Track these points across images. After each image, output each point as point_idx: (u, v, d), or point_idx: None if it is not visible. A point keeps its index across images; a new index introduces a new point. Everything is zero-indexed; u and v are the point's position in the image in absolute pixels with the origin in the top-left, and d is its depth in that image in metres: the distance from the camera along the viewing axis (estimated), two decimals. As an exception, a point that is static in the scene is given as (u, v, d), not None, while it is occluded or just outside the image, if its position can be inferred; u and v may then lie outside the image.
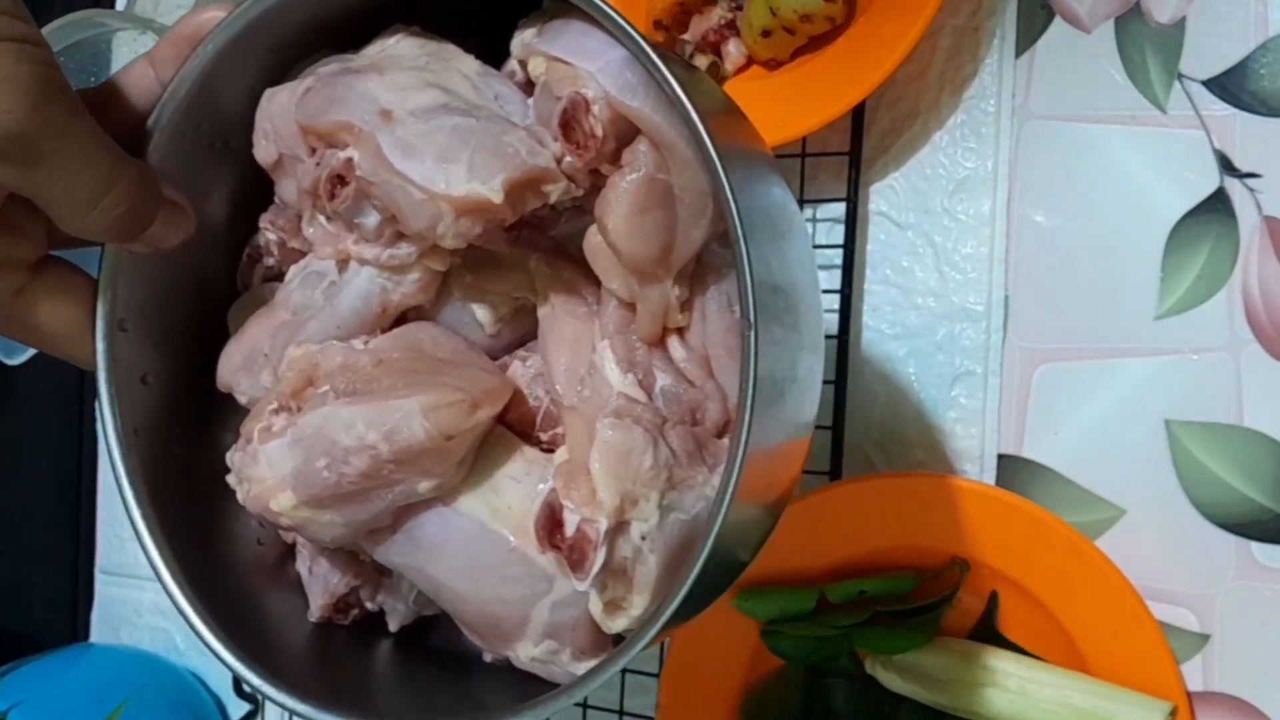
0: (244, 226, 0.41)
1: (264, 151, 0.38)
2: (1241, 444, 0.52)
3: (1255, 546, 0.52)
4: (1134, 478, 0.54)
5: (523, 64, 0.37)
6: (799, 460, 0.37)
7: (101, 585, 0.79)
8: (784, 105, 0.56)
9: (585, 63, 0.34)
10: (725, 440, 0.35)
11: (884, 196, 0.59)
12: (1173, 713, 0.50)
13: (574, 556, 0.33)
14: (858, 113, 0.58)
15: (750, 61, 0.58)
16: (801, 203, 0.60)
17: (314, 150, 0.37)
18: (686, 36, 0.59)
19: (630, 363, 0.36)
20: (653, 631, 0.31)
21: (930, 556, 0.54)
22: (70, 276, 0.37)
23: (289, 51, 0.38)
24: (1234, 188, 0.53)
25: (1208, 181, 0.53)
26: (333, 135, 0.35)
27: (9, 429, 0.81)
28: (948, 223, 0.58)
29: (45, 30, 0.59)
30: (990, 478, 0.56)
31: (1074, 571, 0.52)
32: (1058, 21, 0.56)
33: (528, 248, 0.37)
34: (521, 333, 0.39)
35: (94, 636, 0.80)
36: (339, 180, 0.35)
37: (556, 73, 0.34)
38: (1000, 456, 0.57)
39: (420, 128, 0.34)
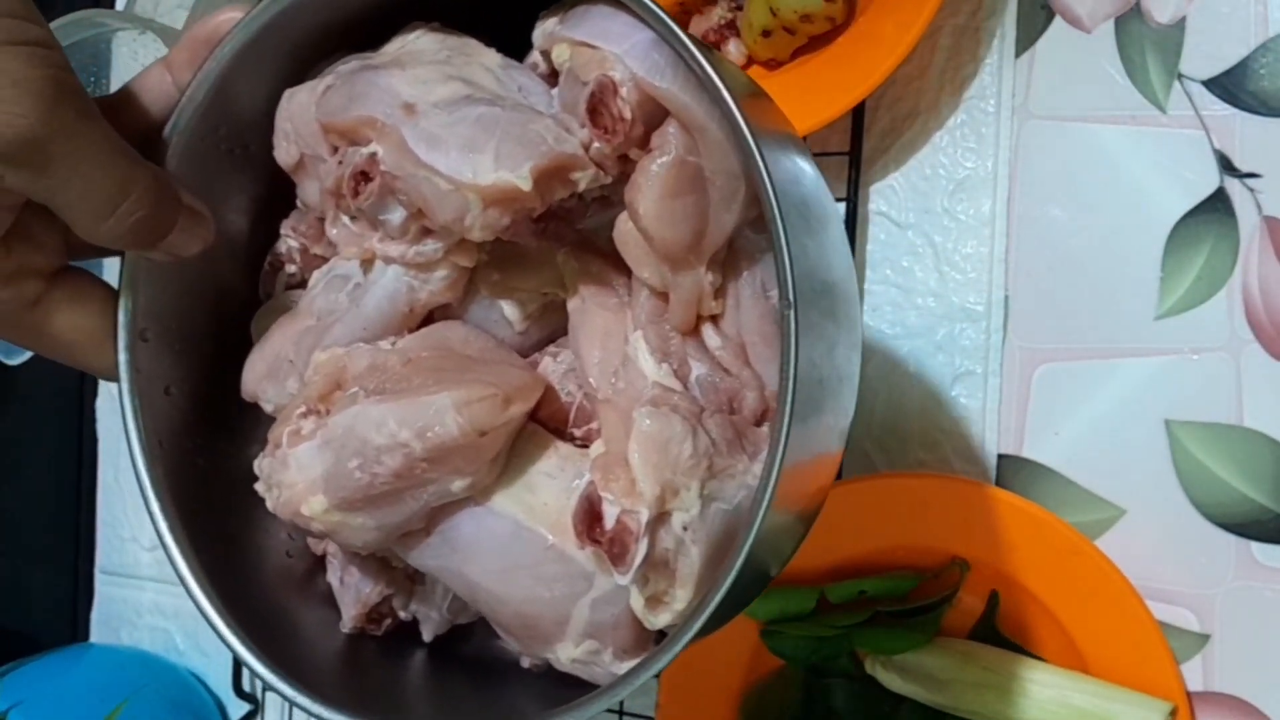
0: (264, 234, 0.41)
1: (284, 153, 0.37)
2: (1241, 444, 0.52)
3: (1255, 546, 0.52)
4: (1134, 478, 0.54)
5: (545, 54, 0.36)
6: (832, 467, 0.36)
7: (101, 585, 0.79)
8: (784, 105, 0.56)
9: (611, 45, 0.33)
10: (764, 428, 0.34)
11: (884, 196, 0.59)
12: (1173, 713, 0.50)
13: (615, 550, 0.32)
14: (858, 113, 0.58)
15: (750, 61, 0.58)
16: (801, 203, 0.60)
17: (336, 149, 0.36)
18: (686, 36, 0.59)
19: (665, 352, 0.35)
20: (697, 625, 0.30)
21: (930, 556, 0.54)
22: (88, 286, 0.36)
23: (307, 52, 0.37)
24: (1234, 188, 0.53)
25: (1208, 181, 0.53)
26: (355, 132, 0.35)
27: (9, 429, 0.81)
28: (948, 223, 0.58)
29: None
30: (990, 478, 0.57)
31: (1074, 571, 0.52)
32: (1058, 21, 0.56)
33: (555, 240, 0.36)
34: (550, 329, 0.38)
35: (94, 637, 0.80)
36: (363, 177, 0.35)
37: (582, 57, 0.33)
38: (1000, 456, 0.57)
39: (444, 119, 0.33)
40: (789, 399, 0.29)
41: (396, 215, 0.35)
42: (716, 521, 0.32)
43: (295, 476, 0.35)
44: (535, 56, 0.37)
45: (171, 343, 0.38)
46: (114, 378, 0.37)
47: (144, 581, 0.77)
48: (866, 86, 0.54)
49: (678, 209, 0.33)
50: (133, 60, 0.66)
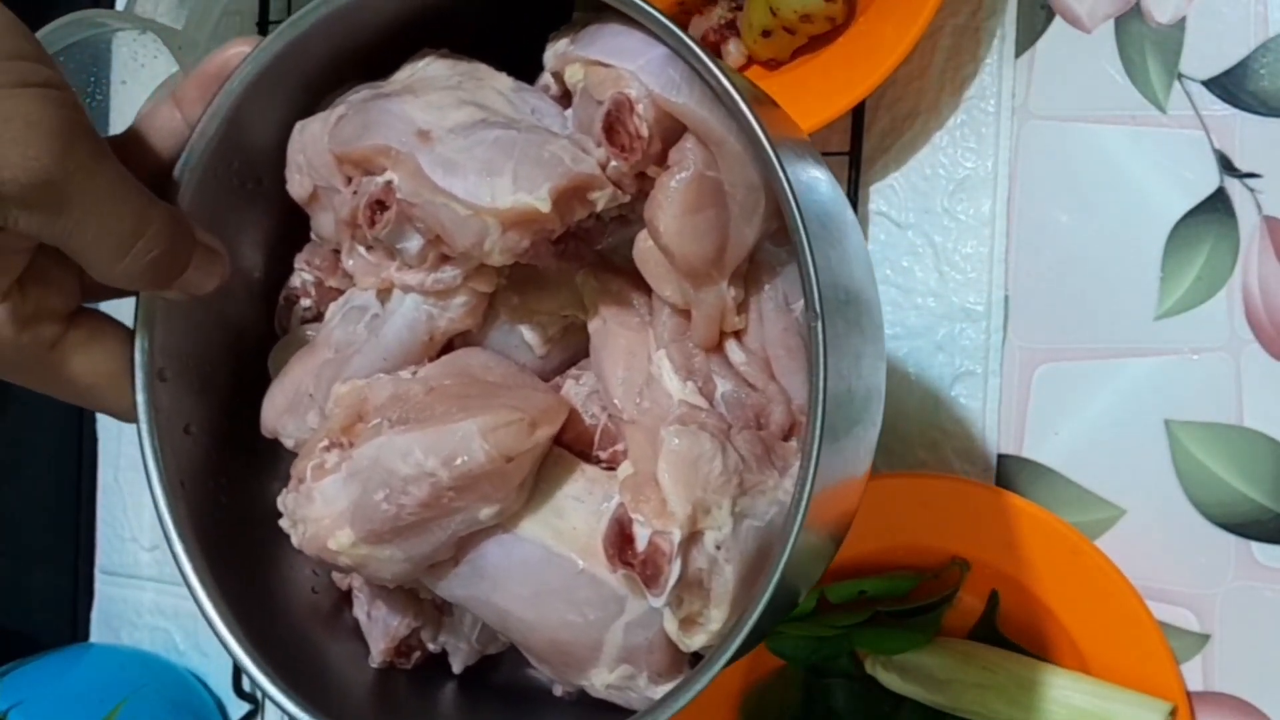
0: (279, 268, 0.40)
1: (298, 185, 0.37)
2: (1241, 444, 0.52)
3: (1255, 546, 0.52)
4: (1134, 478, 0.54)
5: (557, 76, 0.36)
6: (862, 482, 0.36)
7: (101, 585, 0.79)
8: (784, 105, 0.56)
9: (625, 62, 0.33)
10: (793, 442, 0.34)
11: (884, 196, 0.59)
12: (1173, 713, 0.50)
13: (647, 572, 0.31)
14: (858, 113, 0.58)
15: (750, 61, 0.58)
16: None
17: (350, 179, 0.36)
18: (686, 36, 0.59)
19: (689, 370, 0.35)
20: (734, 646, 0.30)
21: (930, 556, 0.54)
22: (105, 327, 0.36)
23: (318, 83, 0.37)
24: (1234, 188, 0.53)
25: (1208, 181, 0.53)
26: (370, 161, 0.35)
27: (9, 429, 0.81)
28: (948, 223, 0.58)
29: (45, 30, 0.59)
30: (990, 478, 0.57)
31: (1074, 571, 0.52)
32: (1058, 21, 0.56)
33: (575, 261, 0.36)
34: (572, 353, 0.38)
35: (94, 636, 0.80)
36: (379, 206, 0.34)
37: (596, 76, 0.33)
38: (1000, 456, 0.57)
39: (460, 144, 0.33)
40: (819, 412, 0.29)
41: (414, 243, 0.35)
42: (749, 539, 0.32)
43: (321, 511, 0.34)
44: (547, 79, 0.37)
45: (190, 381, 0.38)
46: (133, 419, 0.36)
47: (144, 581, 0.77)
48: (866, 86, 0.54)
49: (699, 224, 0.33)
50: (132, 60, 0.66)
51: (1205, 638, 0.53)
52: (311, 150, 0.36)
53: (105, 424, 0.77)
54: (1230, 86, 0.53)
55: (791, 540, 0.29)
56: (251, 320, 0.41)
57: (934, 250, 0.58)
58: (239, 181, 0.38)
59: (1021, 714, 0.51)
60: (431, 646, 0.40)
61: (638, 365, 0.35)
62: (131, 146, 0.35)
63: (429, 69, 0.37)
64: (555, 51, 0.36)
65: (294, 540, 0.35)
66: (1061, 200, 0.56)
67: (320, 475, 0.35)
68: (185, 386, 0.38)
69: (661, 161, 0.33)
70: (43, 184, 0.29)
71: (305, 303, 0.40)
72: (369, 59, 0.37)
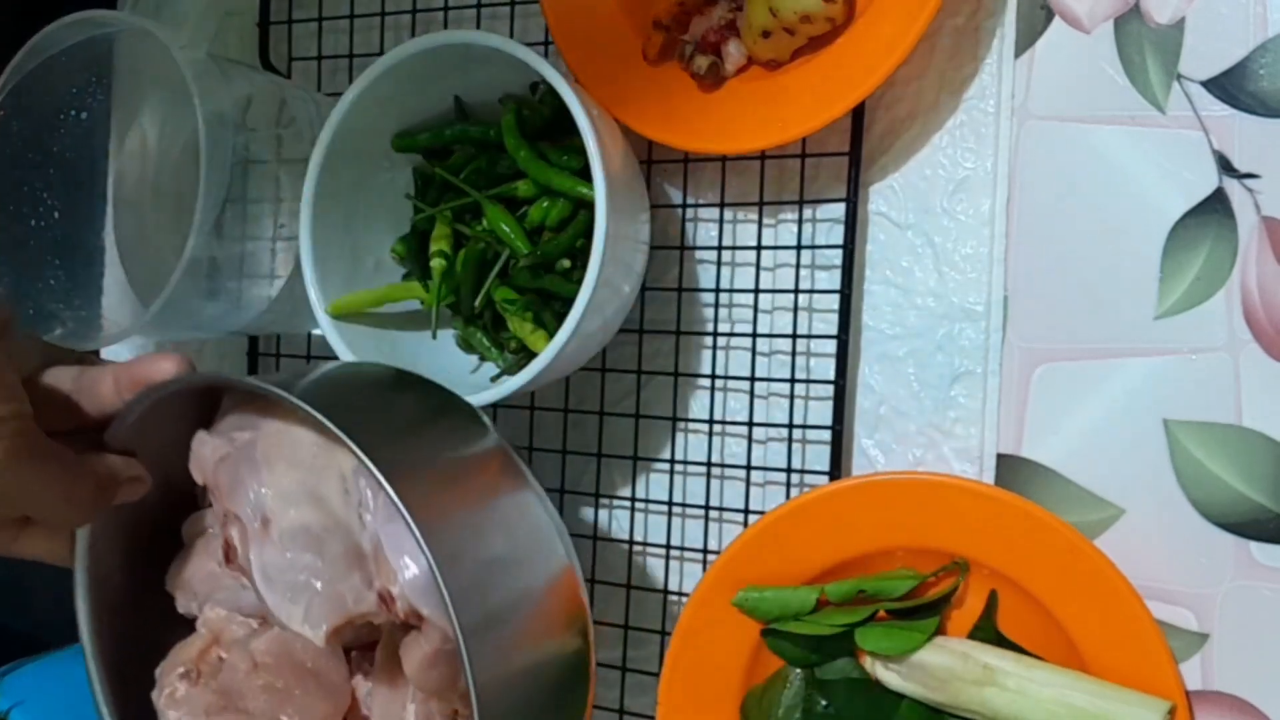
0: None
1: (196, 475, 0.49)
2: (1240, 444, 0.53)
3: (1254, 546, 0.52)
4: (1133, 477, 0.54)
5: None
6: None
7: (103, 585, 0.79)
8: (784, 106, 0.56)
9: (400, 562, 0.45)
10: None
11: (883, 197, 0.59)
12: (1171, 712, 0.50)
13: None
14: (857, 113, 0.58)
15: (750, 62, 0.58)
16: (801, 203, 0.60)
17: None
18: (686, 37, 0.59)
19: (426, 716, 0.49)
20: None
21: (930, 556, 0.54)
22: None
23: (212, 407, 0.51)
24: (1233, 188, 0.53)
25: (1206, 182, 0.54)
26: (229, 511, 0.47)
27: (10, 429, 0.81)
28: (947, 223, 0.58)
29: (47, 31, 0.59)
30: (990, 477, 0.57)
31: (1073, 571, 0.52)
32: (1057, 22, 0.56)
33: (358, 668, 0.51)
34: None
35: (95, 636, 0.80)
36: (230, 548, 0.47)
37: (381, 556, 0.46)
38: (999, 456, 0.57)
39: (281, 560, 0.46)
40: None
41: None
42: None
43: None
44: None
45: (116, 542, 0.51)
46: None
47: (145, 581, 0.77)
48: (866, 87, 0.54)
49: (433, 674, 0.47)
50: (134, 61, 0.66)
51: (1204, 637, 0.53)
52: (204, 464, 0.49)
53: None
54: (1229, 87, 0.53)
55: None
56: (175, 489, 0.52)
57: (933, 250, 0.58)
58: (155, 442, 0.50)
59: (1020, 713, 0.51)
60: None
61: (394, 710, 0.50)
62: (83, 396, 0.47)
63: (297, 434, 0.47)
64: (355, 475, 0.48)
65: None
66: (1061, 200, 0.56)
67: (170, 705, 0.50)
68: (116, 546, 0.51)
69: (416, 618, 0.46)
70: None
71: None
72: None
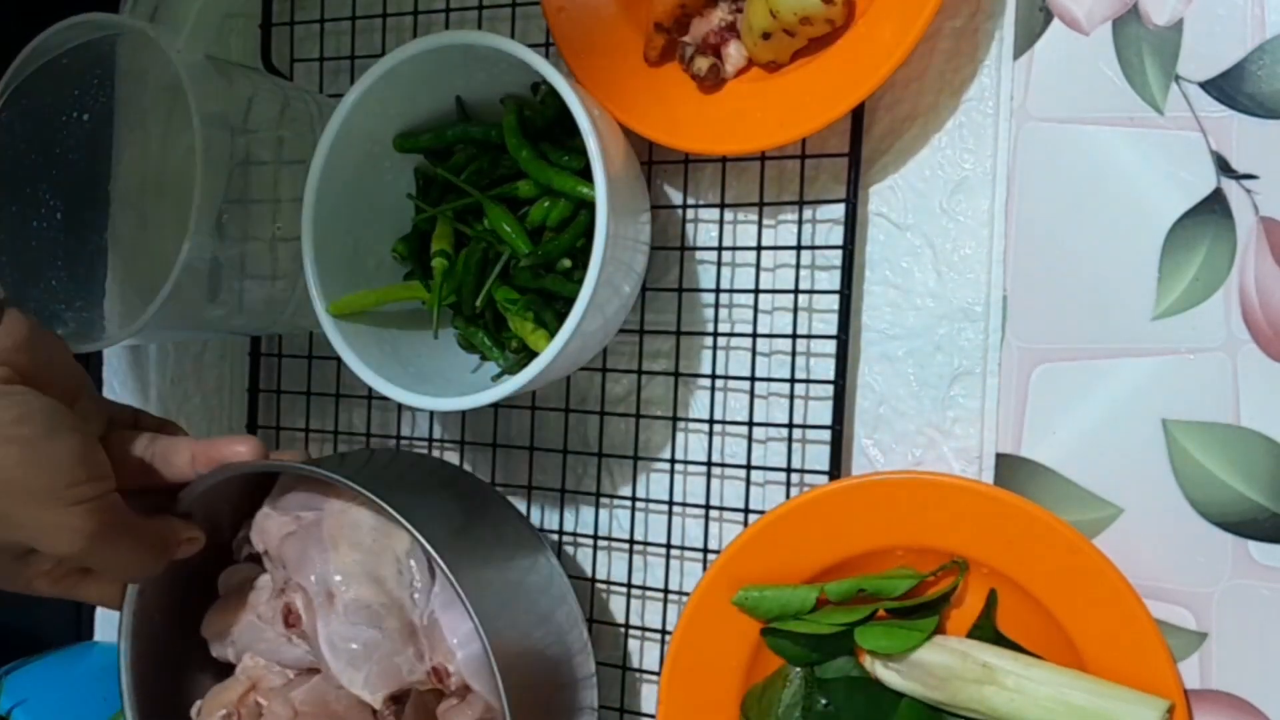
0: (241, 519, 0.60)
1: (258, 544, 0.57)
2: (1238, 443, 0.53)
3: (1252, 545, 0.53)
4: (1131, 477, 0.55)
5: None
6: None
7: (105, 584, 0.79)
8: (784, 107, 0.56)
9: (453, 642, 0.53)
10: None
11: (883, 197, 0.59)
12: (1170, 710, 0.51)
13: None
14: (857, 114, 0.58)
15: (751, 64, 0.59)
16: (801, 204, 0.60)
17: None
18: (687, 38, 0.59)
19: None
20: None
21: (929, 555, 0.55)
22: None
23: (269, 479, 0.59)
24: (1231, 189, 0.53)
25: (1205, 183, 0.54)
26: (295, 583, 0.55)
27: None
28: (946, 223, 0.58)
29: (49, 33, 0.59)
30: (989, 477, 0.57)
31: (1072, 570, 0.52)
32: (1056, 23, 0.56)
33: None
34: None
35: (98, 635, 0.80)
36: (291, 614, 0.55)
37: (438, 635, 0.53)
38: (998, 456, 0.57)
39: (346, 631, 0.53)
40: None
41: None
42: None
43: None
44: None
45: (163, 585, 0.57)
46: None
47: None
48: (866, 88, 0.54)
49: None
50: (136, 64, 0.66)
51: (1202, 636, 0.53)
52: (266, 535, 0.56)
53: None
54: (1227, 88, 0.53)
55: None
56: (217, 545, 0.59)
57: (933, 251, 0.58)
58: (225, 507, 0.59)
59: (1019, 712, 0.51)
60: None
61: None
62: (160, 464, 0.52)
63: (357, 514, 0.55)
64: (430, 559, 0.54)
65: None
66: (1059, 201, 0.56)
67: None
68: (156, 591, 0.57)
69: (464, 690, 0.53)
70: (77, 558, 0.47)
71: (247, 549, 0.60)
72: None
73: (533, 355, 0.55)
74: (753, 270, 0.62)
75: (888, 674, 0.54)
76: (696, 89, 0.59)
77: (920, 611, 0.54)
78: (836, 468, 0.58)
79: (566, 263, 0.58)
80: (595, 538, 0.65)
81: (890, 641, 0.53)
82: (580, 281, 0.53)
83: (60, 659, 0.74)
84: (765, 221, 0.62)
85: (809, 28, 0.55)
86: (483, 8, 0.67)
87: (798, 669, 0.56)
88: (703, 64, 0.58)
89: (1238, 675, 0.52)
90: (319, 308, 0.58)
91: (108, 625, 0.80)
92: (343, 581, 0.53)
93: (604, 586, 0.64)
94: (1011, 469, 0.57)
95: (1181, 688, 0.52)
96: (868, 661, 0.55)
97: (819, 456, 0.59)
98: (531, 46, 0.54)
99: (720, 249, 0.62)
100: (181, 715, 0.59)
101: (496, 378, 0.60)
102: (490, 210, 0.59)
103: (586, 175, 0.56)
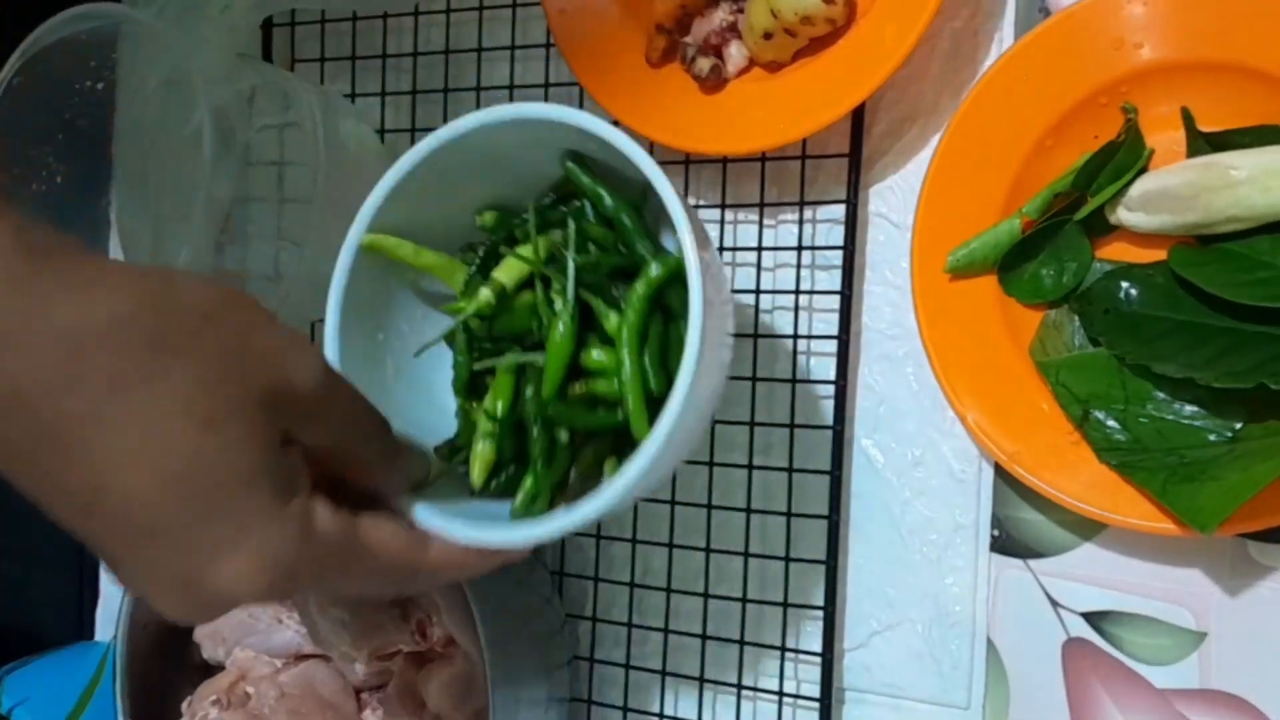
0: None
1: None
2: (1238, 443, 0.53)
3: (1251, 544, 0.53)
4: (1131, 477, 0.55)
5: None
6: None
7: (106, 584, 0.79)
8: (785, 107, 0.57)
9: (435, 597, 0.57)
10: None
11: (883, 198, 0.60)
12: None
13: None
14: (857, 115, 0.58)
15: (751, 64, 0.59)
16: (802, 204, 0.60)
17: None
18: (688, 39, 0.59)
19: None
20: None
21: (1101, 114, 0.52)
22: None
23: None
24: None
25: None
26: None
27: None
28: (947, 224, 0.58)
29: (51, 23, 0.59)
30: (989, 478, 0.57)
31: None
32: (1056, 24, 0.56)
33: (365, 706, 0.61)
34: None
35: (99, 635, 0.80)
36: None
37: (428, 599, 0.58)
38: (999, 456, 0.57)
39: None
40: None
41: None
42: None
43: None
44: None
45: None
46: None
47: (147, 580, 0.77)
48: (866, 89, 0.54)
49: (449, 693, 0.57)
50: (137, 53, 0.66)
51: (1202, 636, 0.53)
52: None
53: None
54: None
55: None
56: None
57: (933, 251, 0.58)
58: None
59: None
60: None
61: None
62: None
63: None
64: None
65: None
66: (1059, 201, 0.56)
67: None
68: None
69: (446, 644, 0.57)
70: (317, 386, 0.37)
71: None
72: None
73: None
74: (753, 270, 0.62)
75: (1134, 217, 0.50)
76: (698, 89, 0.59)
77: (1124, 158, 0.51)
78: (837, 468, 0.58)
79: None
80: (598, 537, 0.65)
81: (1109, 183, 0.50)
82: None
83: (60, 659, 0.74)
84: (766, 222, 0.62)
85: (810, 28, 0.55)
86: (483, 8, 0.67)
87: (1053, 313, 0.53)
88: (704, 64, 0.58)
89: (1237, 675, 0.52)
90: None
91: (109, 626, 0.80)
92: None
93: (606, 585, 0.64)
94: (1011, 469, 0.57)
95: None
96: (1107, 210, 0.51)
97: (820, 455, 0.59)
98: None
99: (721, 249, 0.62)
100: (173, 718, 0.61)
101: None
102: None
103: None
